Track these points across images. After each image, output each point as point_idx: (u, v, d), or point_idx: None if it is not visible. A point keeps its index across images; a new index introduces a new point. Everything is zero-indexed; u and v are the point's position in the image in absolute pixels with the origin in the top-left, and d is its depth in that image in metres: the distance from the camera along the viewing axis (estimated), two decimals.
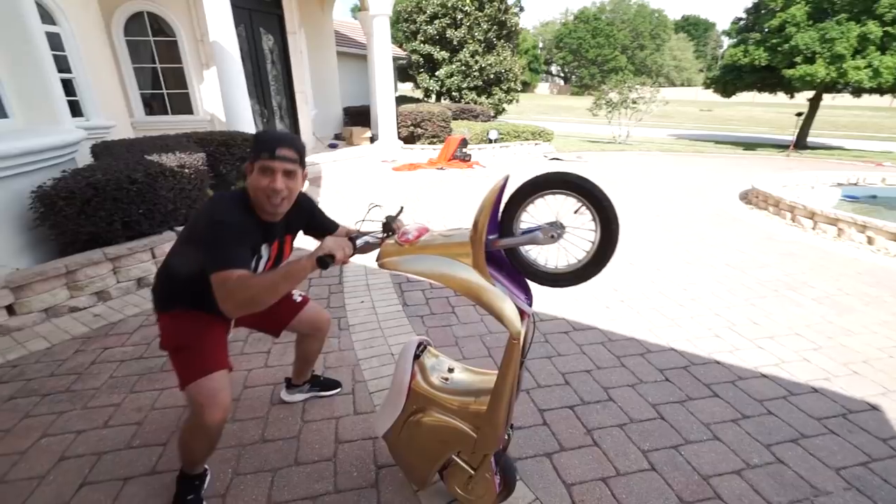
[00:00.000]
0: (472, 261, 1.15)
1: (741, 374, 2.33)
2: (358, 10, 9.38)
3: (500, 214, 1.18)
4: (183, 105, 6.88)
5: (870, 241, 4.41)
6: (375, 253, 1.31)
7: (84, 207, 2.88)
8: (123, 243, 3.12)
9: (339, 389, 2.14)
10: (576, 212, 1.12)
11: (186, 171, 3.54)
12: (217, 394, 1.33)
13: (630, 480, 1.67)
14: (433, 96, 14.14)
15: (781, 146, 13.39)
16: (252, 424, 1.92)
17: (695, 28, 64.87)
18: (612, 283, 3.42)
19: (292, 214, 1.45)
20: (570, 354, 2.49)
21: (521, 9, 25.43)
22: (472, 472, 1.38)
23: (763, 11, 13.10)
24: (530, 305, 1.22)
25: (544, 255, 1.25)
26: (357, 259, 1.47)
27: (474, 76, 13.27)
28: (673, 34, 56.26)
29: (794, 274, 3.67)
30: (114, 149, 3.98)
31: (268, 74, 7.61)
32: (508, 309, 1.13)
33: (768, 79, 13.32)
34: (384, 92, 8.51)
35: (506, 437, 1.39)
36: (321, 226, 1.62)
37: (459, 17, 12.72)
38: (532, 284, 1.26)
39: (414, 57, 13.90)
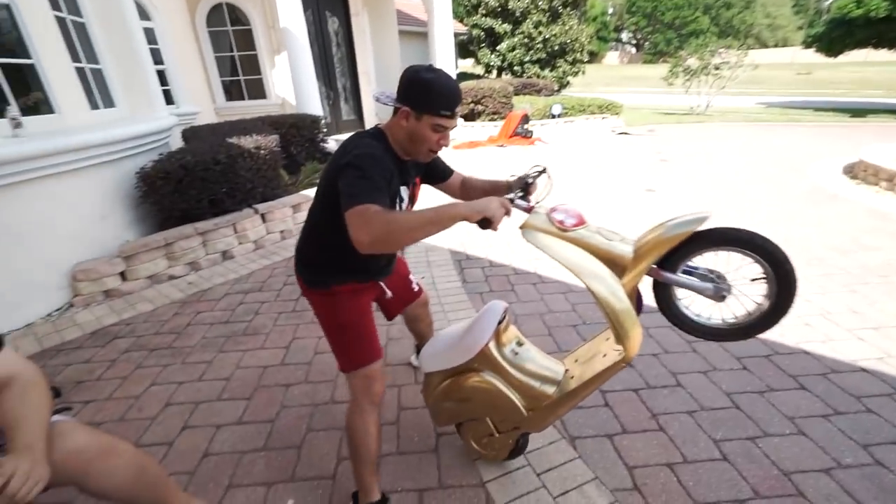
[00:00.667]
0: (626, 279, 1.14)
1: (835, 366, 2.10)
2: None
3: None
4: (257, 90, 7.34)
5: None
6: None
7: (178, 186, 3.21)
8: (210, 219, 3.44)
9: None
10: (753, 280, 1.12)
11: (262, 152, 3.80)
12: (372, 384, 1.36)
13: (698, 468, 1.59)
14: (494, 72, 13.78)
15: None
16: (323, 387, 2.07)
17: None
18: None
19: None
20: None
21: None
22: (496, 433, 1.45)
23: None
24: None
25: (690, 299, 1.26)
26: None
27: (537, 48, 12.72)
28: None
29: None
30: (200, 133, 4.38)
31: (333, 57, 7.84)
32: (638, 335, 1.13)
33: (887, 33, 11.40)
34: (445, 69, 8.40)
35: None
36: (441, 172, 1.54)
37: None
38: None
39: (475, 32, 13.58)
